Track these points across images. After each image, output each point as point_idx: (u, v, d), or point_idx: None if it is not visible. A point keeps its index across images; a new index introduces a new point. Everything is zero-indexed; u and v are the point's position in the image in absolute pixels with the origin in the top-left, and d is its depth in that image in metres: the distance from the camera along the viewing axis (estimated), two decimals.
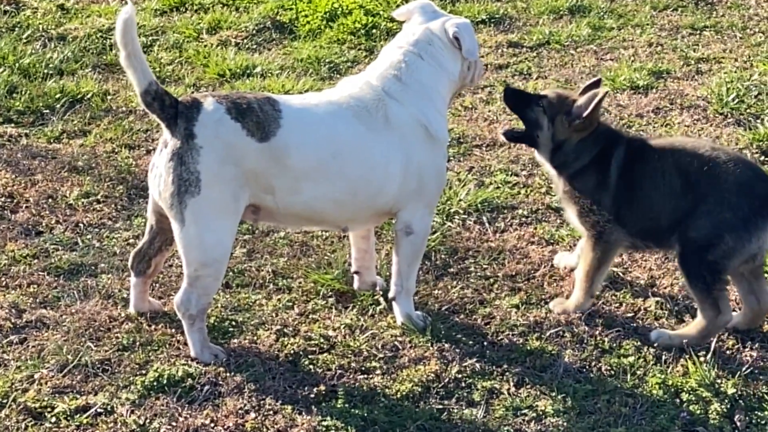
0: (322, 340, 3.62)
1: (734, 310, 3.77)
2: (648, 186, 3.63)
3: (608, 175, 3.66)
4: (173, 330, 3.65)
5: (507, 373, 3.47)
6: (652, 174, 3.62)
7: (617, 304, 3.88)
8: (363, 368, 3.49)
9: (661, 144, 3.75)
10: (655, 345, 3.57)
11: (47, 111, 5.37)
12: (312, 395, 3.34)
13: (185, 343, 3.54)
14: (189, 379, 3.38)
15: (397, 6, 6.67)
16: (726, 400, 3.34)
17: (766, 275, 3.69)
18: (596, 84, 3.82)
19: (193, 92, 5.59)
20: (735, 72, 5.81)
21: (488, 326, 3.74)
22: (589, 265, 3.70)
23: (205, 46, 6.30)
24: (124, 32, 3.26)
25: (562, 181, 3.77)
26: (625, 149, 3.69)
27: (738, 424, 3.26)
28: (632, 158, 3.66)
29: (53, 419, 3.23)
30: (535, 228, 4.38)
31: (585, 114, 3.65)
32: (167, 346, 3.58)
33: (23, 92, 5.50)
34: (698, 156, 3.58)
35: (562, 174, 3.76)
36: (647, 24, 6.61)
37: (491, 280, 4.01)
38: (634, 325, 3.75)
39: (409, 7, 3.76)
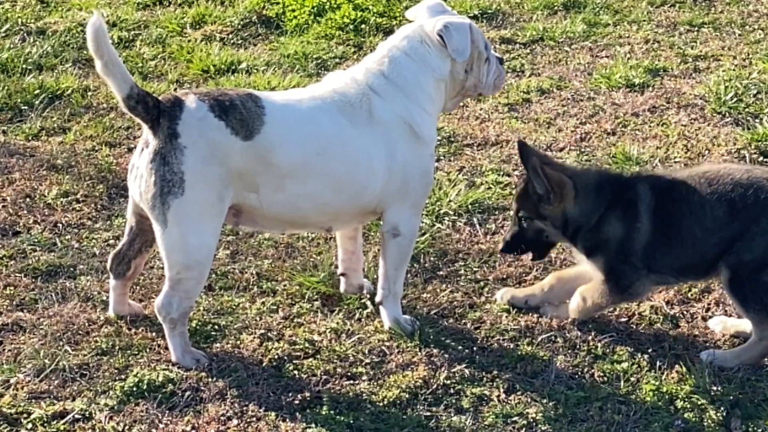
0: (307, 345, 3.57)
1: (730, 315, 3.74)
2: (689, 222, 3.51)
3: (638, 220, 3.54)
4: (154, 334, 3.60)
5: (497, 380, 3.42)
6: (692, 209, 3.50)
7: (611, 309, 3.81)
8: (349, 374, 3.44)
9: (691, 175, 3.61)
10: (710, 365, 3.44)
11: (25, 107, 5.33)
12: (296, 401, 3.30)
13: (166, 348, 3.49)
14: (170, 384, 3.33)
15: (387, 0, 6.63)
16: (722, 408, 3.29)
17: None
18: (522, 148, 3.64)
19: (176, 89, 5.55)
20: (733, 70, 5.78)
21: (478, 331, 3.69)
22: (603, 304, 3.61)
23: (189, 41, 6.27)
24: (96, 43, 3.21)
25: (580, 244, 3.64)
26: (649, 188, 3.56)
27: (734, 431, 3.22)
28: (663, 196, 3.54)
29: (29, 425, 3.18)
30: None
31: (548, 188, 3.53)
32: (147, 350, 3.53)
33: (0, 88, 5.43)
34: (738, 180, 3.49)
35: (581, 238, 3.63)
36: (644, 20, 6.59)
37: (481, 283, 3.96)
38: (628, 330, 3.70)
39: (419, 7, 3.72)
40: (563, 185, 3.57)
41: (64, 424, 3.17)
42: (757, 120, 5.19)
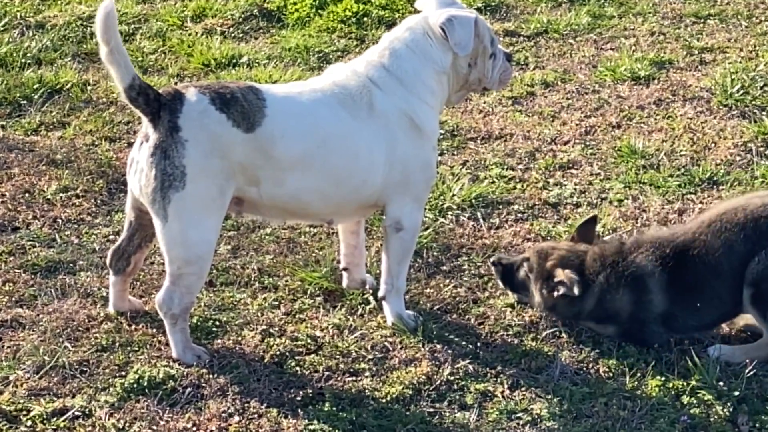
0: (309, 341, 3.55)
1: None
2: (711, 281, 3.43)
3: (648, 293, 3.47)
4: (154, 330, 3.58)
5: (501, 375, 3.40)
6: (708, 264, 3.42)
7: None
8: (351, 370, 3.42)
9: (691, 230, 3.51)
10: (717, 360, 3.40)
11: (24, 102, 5.31)
12: (298, 398, 3.28)
13: (167, 344, 3.48)
14: (170, 381, 3.32)
15: None
16: (729, 403, 3.26)
17: None
18: (591, 222, 3.67)
19: (176, 83, 5.52)
20: (740, 62, 5.75)
21: (482, 326, 3.66)
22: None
23: (190, 34, 6.25)
24: (105, 27, 3.18)
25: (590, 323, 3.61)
26: (655, 259, 3.46)
27: (741, 428, 3.19)
28: (673, 266, 3.45)
29: (29, 422, 3.17)
30: (531, 224, 4.30)
31: (560, 293, 3.50)
32: (148, 346, 3.52)
33: None
34: (737, 213, 3.43)
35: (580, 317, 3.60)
36: (649, 12, 6.55)
37: (485, 278, 3.93)
38: None
39: None
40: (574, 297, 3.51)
41: (63, 421, 3.16)
42: (763, 113, 5.15)
